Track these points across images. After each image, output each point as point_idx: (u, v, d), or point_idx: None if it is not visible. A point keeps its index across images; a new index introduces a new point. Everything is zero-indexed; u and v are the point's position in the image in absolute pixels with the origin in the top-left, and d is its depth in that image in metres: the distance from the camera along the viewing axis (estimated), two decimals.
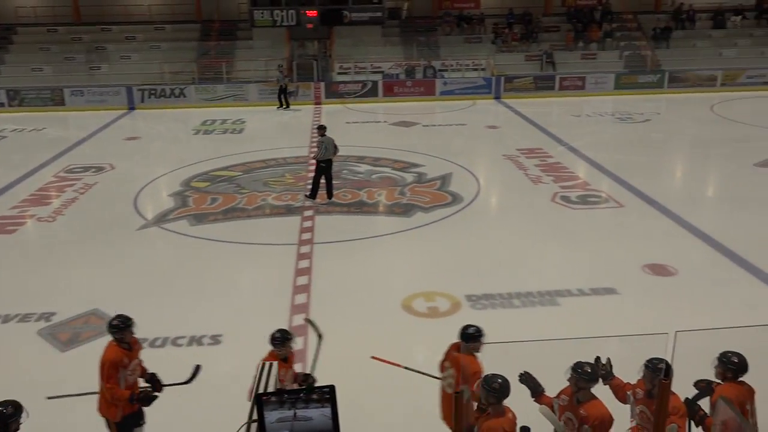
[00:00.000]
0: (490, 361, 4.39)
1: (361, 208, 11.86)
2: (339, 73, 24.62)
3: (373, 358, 5.29)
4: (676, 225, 10.66)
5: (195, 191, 12.95)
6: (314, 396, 3.62)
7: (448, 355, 5.09)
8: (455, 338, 4.99)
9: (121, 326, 5.03)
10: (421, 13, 28.25)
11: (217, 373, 6.84)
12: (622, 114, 20.47)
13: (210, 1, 27.61)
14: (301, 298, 8.33)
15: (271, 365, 4.50)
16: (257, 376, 4.29)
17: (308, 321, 5.89)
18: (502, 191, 13.44)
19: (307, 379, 5.11)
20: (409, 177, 13.65)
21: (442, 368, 5.15)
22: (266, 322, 7.71)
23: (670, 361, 4.26)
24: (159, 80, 23.87)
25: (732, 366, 4.49)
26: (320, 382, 3.67)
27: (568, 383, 4.40)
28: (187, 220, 11.27)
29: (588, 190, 12.60)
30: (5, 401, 3.99)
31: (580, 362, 4.52)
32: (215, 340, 7.35)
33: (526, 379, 4.56)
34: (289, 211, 11.74)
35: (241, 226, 11.03)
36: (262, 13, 23.91)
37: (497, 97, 23.50)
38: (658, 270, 8.94)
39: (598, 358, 4.65)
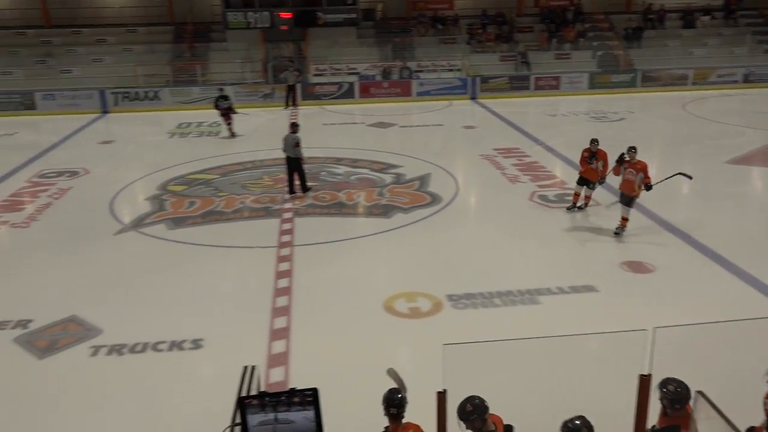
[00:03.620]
0: (476, 360, 4.40)
1: (340, 209, 11.84)
2: (315, 75, 24.58)
3: None
4: (653, 222, 10.82)
5: (172, 195, 12.81)
6: (296, 399, 3.61)
7: None
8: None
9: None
10: (396, 15, 28.29)
11: (199, 377, 6.81)
12: (596, 113, 20.71)
13: (183, 3, 27.37)
14: (282, 301, 8.29)
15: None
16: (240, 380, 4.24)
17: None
18: (480, 191, 13.50)
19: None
20: (387, 178, 13.65)
21: None
22: (247, 325, 7.71)
23: (649, 357, 4.21)
24: (132, 83, 23.55)
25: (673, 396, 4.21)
26: (304, 384, 3.64)
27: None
28: (165, 224, 11.15)
29: (565, 189, 12.70)
30: None
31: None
32: (196, 344, 7.26)
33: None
34: (268, 213, 11.68)
35: (220, 230, 10.93)
36: (235, 15, 23.80)
37: (473, 98, 23.62)
38: (636, 267, 9.05)
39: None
